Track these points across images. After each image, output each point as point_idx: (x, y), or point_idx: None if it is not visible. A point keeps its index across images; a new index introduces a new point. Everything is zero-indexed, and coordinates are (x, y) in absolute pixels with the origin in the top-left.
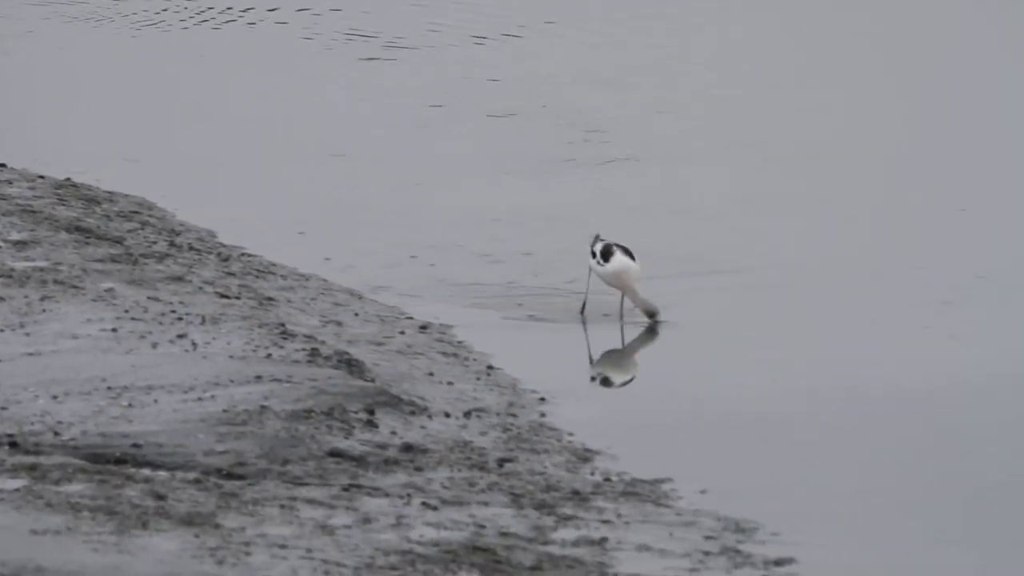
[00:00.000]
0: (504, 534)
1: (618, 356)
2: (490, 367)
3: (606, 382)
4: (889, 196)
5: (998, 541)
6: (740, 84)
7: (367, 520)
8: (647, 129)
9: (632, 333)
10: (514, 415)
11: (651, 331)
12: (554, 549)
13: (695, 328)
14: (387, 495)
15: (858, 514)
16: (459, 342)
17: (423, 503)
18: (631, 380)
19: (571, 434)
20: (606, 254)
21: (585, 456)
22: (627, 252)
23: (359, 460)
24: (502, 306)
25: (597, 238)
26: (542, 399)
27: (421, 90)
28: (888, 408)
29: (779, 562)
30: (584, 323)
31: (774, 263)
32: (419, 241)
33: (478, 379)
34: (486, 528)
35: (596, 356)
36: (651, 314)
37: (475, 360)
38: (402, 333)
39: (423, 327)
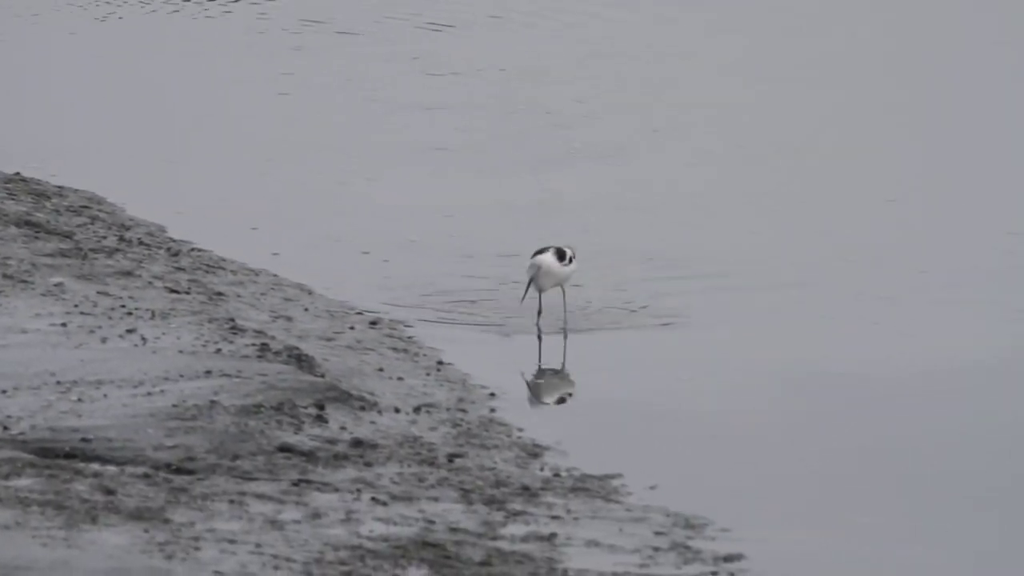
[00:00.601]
0: (453, 529)
1: (568, 353)
2: (440, 363)
3: (556, 378)
4: (841, 191)
5: (949, 535)
6: (704, 79)
7: (316, 515)
8: (601, 124)
9: (582, 331)
10: (464, 411)
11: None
12: (503, 544)
13: (646, 325)
14: (337, 490)
15: (809, 510)
16: (409, 338)
17: (372, 498)
18: (581, 376)
19: (521, 430)
20: (538, 253)
21: (535, 452)
22: (559, 252)
23: (309, 455)
24: (453, 302)
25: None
26: (492, 395)
27: (377, 82)
28: (839, 404)
29: (729, 558)
30: (539, 326)
31: (729, 260)
32: (371, 237)
33: (428, 375)
34: (435, 523)
35: (547, 353)
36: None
37: (425, 356)
38: (352, 328)
39: (373, 322)
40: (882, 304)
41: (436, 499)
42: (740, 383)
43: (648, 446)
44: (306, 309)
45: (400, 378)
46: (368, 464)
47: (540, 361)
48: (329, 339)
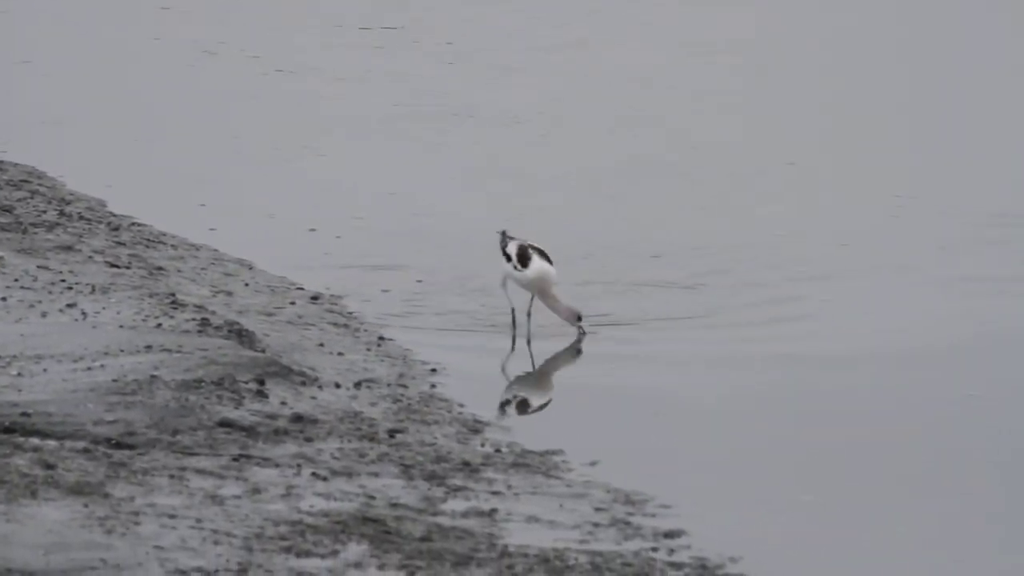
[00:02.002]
0: (394, 505)
1: (511, 328)
2: (381, 338)
3: (498, 354)
4: (745, 170)
5: (888, 514)
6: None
7: (257, 490)
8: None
9: (527, 308)
10: (405, 386)
11: (575, 340)
12: (444, 520)
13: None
14: (277, 465)
15: (751, 488)
16: (350, 313)
17: (313, 473)
18: (523, 352)
19: (462, 405)
20: (523, 258)
21: (475, 427)
22: (543, 254)
23: (249, 430)
24: (395, 278)
25: (505, 235)
26: (433, 370)
27: (323, 54)
28: (783, 383)
29: (669, 534)
30: (519, 337)
31: (671, 244)
32: (317, 213)
33: (369, 350)
34: (376, 499)
35: (489, 329)
36: (576, 317)
37: (366, 331)
38: (293, 304)
39: (314, 298)
40: (829, 284)
41: (376, 474)
42: (682, 362)
43: (589, 423)
44: (247, 284)
45: (341, 353)
46: (308, 439)
47: (484, 337)
48: (270, 314)
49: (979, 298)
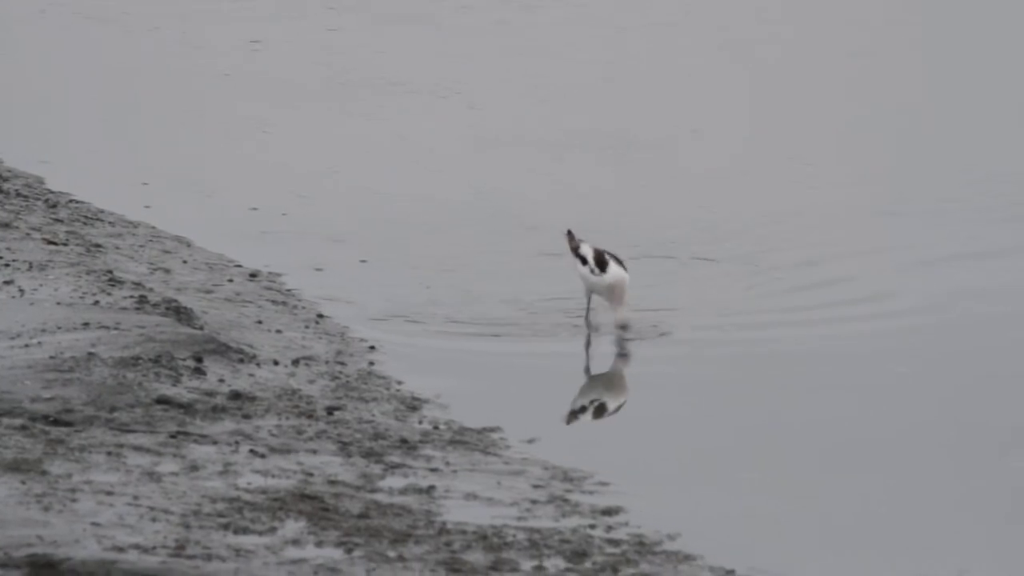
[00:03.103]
0: (332, 482)
1: (450, 302)
2: (320, 315)
3: (438, 332)
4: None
5: (826, 490)
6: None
7: (194, 467)
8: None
9: (458, 282)
10: (343, 363)
11: (621, 349)
12: (382, 497)
13: (511, 273)
14: (215, 442)
15: (689, 465)
16: (288, 290)
17: (251, 451)
18: (462, 328)
19: (400, 382)
20: (600, 263)
21: (414, 404)
22: (618, 260)
23: (187, 407)
24: (337, 256)
25: (572, 235)
26: (371, 347)
27: (266, 27)
28: (724, 362)
29: (607, 511)
30: (590, 342)
31: (620, 229)
32: (262, 192)
33: (307, 327)
34: (314, 476)
35: (429, 306)
36: (623, 327)
37: (304, 308)
38: (231, 281)
39: (252, 275)
40: (772, 272)
41: (314, 452)
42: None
43: (527, 400)
44: (185, 261)
45: (279, 331)
46: (246, 416)
47: (423, 317)
48: (208, 291)
49: (923, 278)
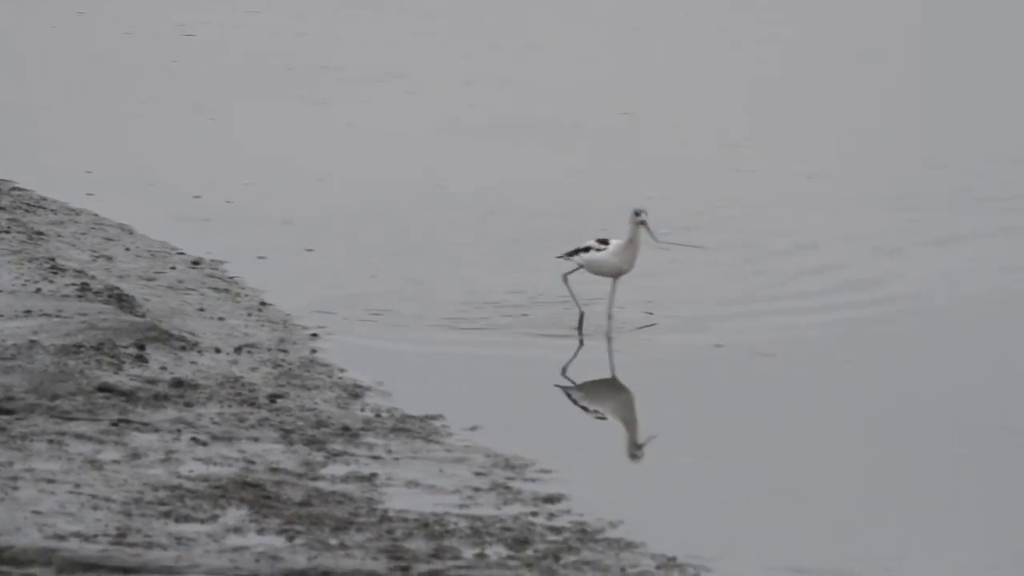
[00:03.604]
0: (274, 470)
1: (394, 291)
2: (262, 303)
3: (379, 319)
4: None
5: (763, 475)
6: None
7: (136, 455)
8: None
9: (398, 273)
10: (285, 351)
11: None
12: (324, 485)
13: (455, 260)
14: (157, 430)
15: (628, 453)
16: (231, 278)
17: (193, 438)
18: (406, 317)
19: (342, 370)
20: (602, 241)
21: (356, 392)
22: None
23: (129, 395)
24: (280, 244)
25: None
26: (314, 335)
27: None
28: (666, 351)
29: (549, 498)
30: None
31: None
32: (206, 180)
33: (250, 315)
34: (256, 464)
35: (372, 294)
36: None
37: (247, 296)
38: (173, 268)
39: (195, 262)
40: (721, 262)
41: (256, 439)
42: (566, 326)
43: (469, 387)
44: (127, 249)
45: (221, 318)
46: (188, 404)
47: (365, 305)
48: (150, 279)
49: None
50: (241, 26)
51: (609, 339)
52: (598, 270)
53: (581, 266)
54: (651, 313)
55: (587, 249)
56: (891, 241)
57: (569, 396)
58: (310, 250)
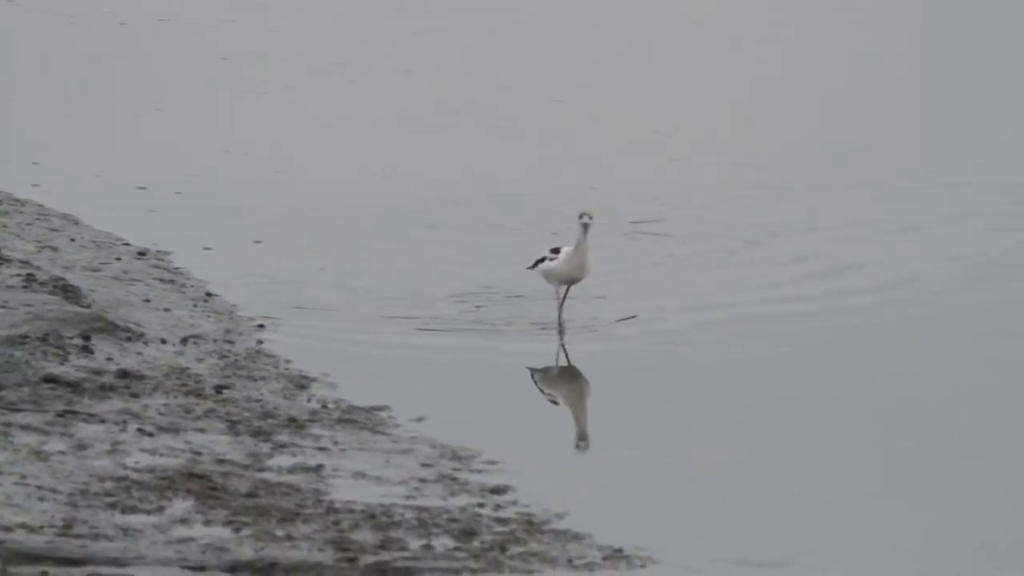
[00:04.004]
0: (220, 461)
1: (341, 283)
2: (208, 294)
3: (326, 310)
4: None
5: (704, 466)
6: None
7: (82, 446)
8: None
9: (338, 266)
10: (231, 342)
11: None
12: (270, 476)
13: (400, 250)
14: (103, 421)
15: (573, 444)
16: (176, 268)
17: (139, 429)
18: (352, 309)
19: (288, 361)
20: (554, 251)
21: (302, 383)
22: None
23: (75, 386)
24: (225, 234)
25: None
26: (260, 326)
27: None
28: (611, 343)
29: (496, 490)
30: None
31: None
32: (152, 172)
33: (195, 305)
34: (202, 455)
35: (319, 286)
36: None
37: (193, 287)
38: (119, 259)
39: (141, 253)
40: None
41: (203, 430)
42: (518, 320)
43: (416, 377)
44: (72, 239)
45: (167, 309)
46: (134, 395)
47: (312, 296)
48: (96, 270)
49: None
50: (175, 16)
51: (561, 336)
52: (552, 279)
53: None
54: (633, 316)
55: (543, 260)
56: (849, 232)
57: (517, 388)
58: (259, 242)
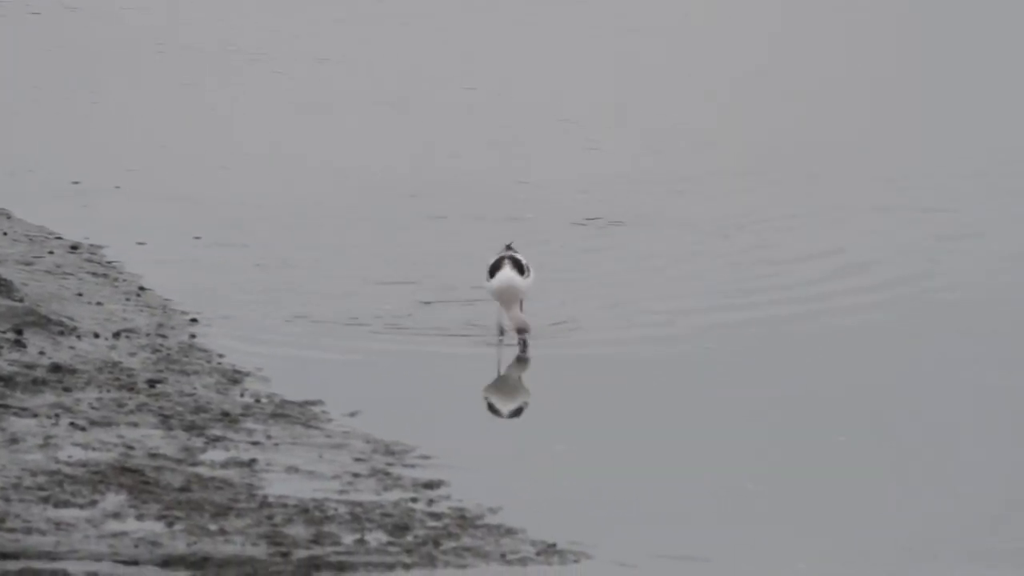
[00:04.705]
0: (153, 455)
1: (276, 278)
2: (141, 288)
3: (260, 305)
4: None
5: (635, 459)
6: None
7: (14, 440)
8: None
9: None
10: (164, 336)
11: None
12: (203, 470)
13: (336, 245)
14: (35, 415)
15: (505, 438)
16: (109, 262)
17: (71, 423)
18: (286, 304)
19: (221, 356)
20: (493, 269)
21: (235, 378)
22: (517, 265)
23: (7, 380)
24: (158, 228)
25: (508, 248)
26: (193, 320)
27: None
28: (546, 337)
29: (429, 484)
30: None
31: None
32: (87, 166)
33: (128, 300)
34: (135, 449)
35: (252, 281)
36: (522, 330)
37: (125, 281)
38: (51, 253)
39: (73, 247)
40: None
41: (136, 424)
42: (440, 303)
43: (349, 372)
44: (4, 233)
45: (100, 303)
46: (67, 389)
47: (246, 290)
48: (28, 263)
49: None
50: (83, 4)
51: (499, 341)
52: (492, 297)
53: None
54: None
55: (499, 265)
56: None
57: (451, 385)
58: (197, 237)
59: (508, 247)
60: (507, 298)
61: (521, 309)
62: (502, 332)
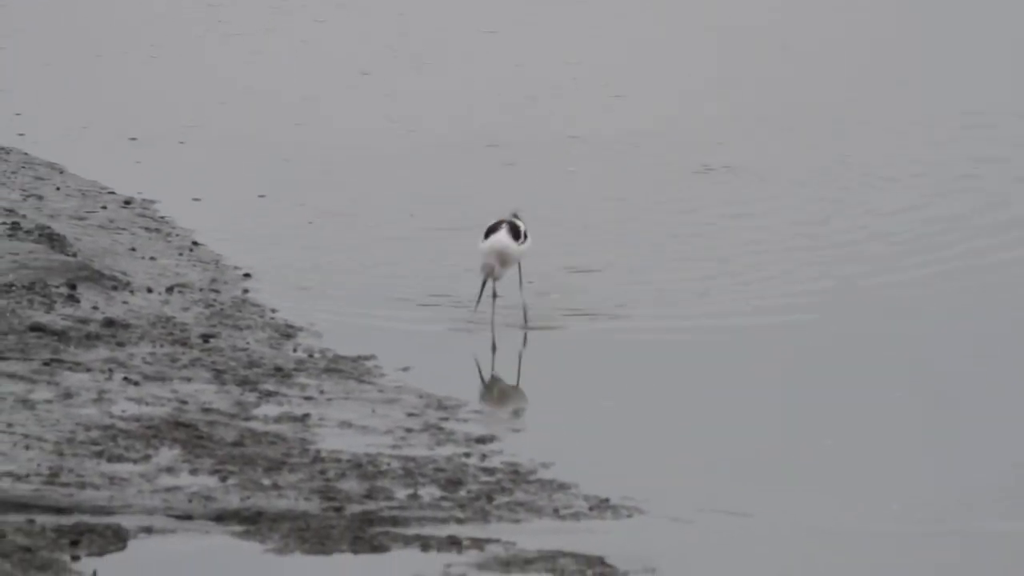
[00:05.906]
0: (206, 410)
1: (330, 236)
2: (194, 243)
3: (312, 260)
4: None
5: (682, 416)
6: None
7: (68, 395)
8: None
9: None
10: (217, 291)
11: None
12: (256, 425)
13: (396, 203)
14: (89, 370)
15: (555, 394)
16: (162, 217)
17: (125, 378)
18: (339, 259)
19: (274, 311)
20: (489, 231)
21: (288, 332)
22: (514, 229)
23: (61, 335)
24: (211, 182)
25: (514, 215)
26: (246, 275)
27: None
28: (575, 293)
29: (481, 439)
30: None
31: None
32: (139, 123)
33: (181, 255)
34: (188, 404)
35: (305, 236)
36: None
37: (178, 236)
38: (104, 208)
39: (126, 202)
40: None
41: (189, 379)
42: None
43: (401, 327)
44: (58, 188)
45: (153, 258)
46: (120, 344)
47: (299, 246)
48: (81, 218)
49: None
50: None
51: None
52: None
53: None
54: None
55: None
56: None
57: (504, 342)
58: (262, 196)
59: (514, 215)
60: (499, 261)
61: (520, 274)
62: (494, 294)
